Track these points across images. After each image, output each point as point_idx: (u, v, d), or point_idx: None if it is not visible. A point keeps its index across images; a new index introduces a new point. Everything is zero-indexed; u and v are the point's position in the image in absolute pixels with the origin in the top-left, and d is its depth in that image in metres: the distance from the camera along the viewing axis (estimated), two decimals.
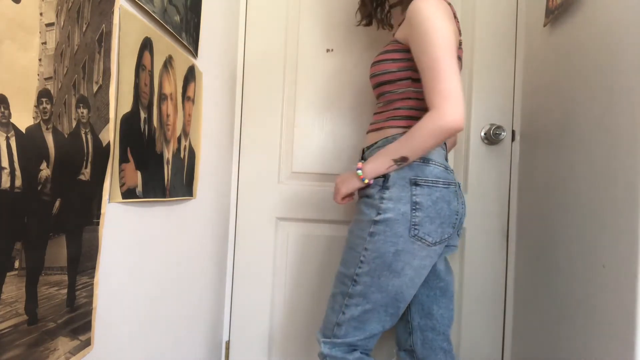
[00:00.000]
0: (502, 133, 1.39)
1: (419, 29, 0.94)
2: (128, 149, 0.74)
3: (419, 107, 1.02)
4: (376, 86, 1.08)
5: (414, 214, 0.96)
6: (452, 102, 0.90)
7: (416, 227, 0.96)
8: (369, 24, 1.27)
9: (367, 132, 1.12)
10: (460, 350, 1.43)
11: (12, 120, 0.48)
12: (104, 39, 0.66)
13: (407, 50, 1.00)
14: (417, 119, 0.99)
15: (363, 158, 1.10)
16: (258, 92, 1.48)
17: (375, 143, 1.06)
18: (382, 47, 1.10)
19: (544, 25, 1.23)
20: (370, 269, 0.98)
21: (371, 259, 0.98)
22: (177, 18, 0.91)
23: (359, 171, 1.00)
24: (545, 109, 1.22)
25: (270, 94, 1.48)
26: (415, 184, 0.97)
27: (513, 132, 1.42)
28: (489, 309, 1.42)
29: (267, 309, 1.48)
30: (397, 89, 1.03)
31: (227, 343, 1.50)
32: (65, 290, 0.60)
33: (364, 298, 1.00)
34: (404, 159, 0.96)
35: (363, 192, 1.04)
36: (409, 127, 0.99)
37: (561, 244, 1.07)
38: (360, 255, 0.99)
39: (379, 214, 0.97)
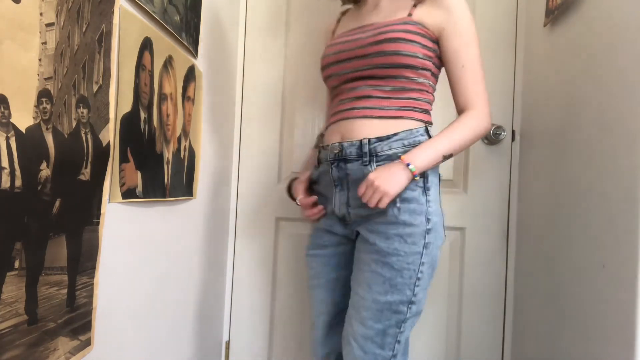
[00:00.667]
0: (502, 133, 1.39)
1: (461, 24, 0.89)
2: (128, 149, 0.74)
3: (432, 102, 0.98)
4: (390, 66, 0.90)
5: (442, 213, 0.93)
6: (488, 106, 0.92)
7: (443, 225, 0.93)
8: None
9: (367, 117, 0.93)
10: (460, 350, 1.43)
11: (12, 120, 0.48)
12: (104, 39, 0.66)
13: (434, 39, 0.92)
14: (429, 114, 0.96)
15: (369, 151, 0.90)
16: (258, 92, 1.48)
17: (396, 134, 0.89)
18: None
19: (544, 25, 1.23)
20: (425, 283, 0.89)
21: (426, 272, 0.88)
22: (177, 18, 0.91)
23: (411, 166, 0.83)
24: (545, 109, 1.22)
25: (270, 94, 1.48)
26: (439, 181, 0.94)
27: (513, 132, 1.42)
28: (489, 309, 1.42)
29: (267, 309, 1.48)
30: (417, 77, 0.92)
31: (227, 343, 1.49)
32: (65, 290, 0.60)
33: (416, 316, 0.91)
34: (449, 157, 0.89)
35: (398, 196, 0.87)
36: (427, 122, 0.95)
37: (561, 244, 1.07)
38: (417, 273, 0.87)
39: (428, 219, 0.87)
